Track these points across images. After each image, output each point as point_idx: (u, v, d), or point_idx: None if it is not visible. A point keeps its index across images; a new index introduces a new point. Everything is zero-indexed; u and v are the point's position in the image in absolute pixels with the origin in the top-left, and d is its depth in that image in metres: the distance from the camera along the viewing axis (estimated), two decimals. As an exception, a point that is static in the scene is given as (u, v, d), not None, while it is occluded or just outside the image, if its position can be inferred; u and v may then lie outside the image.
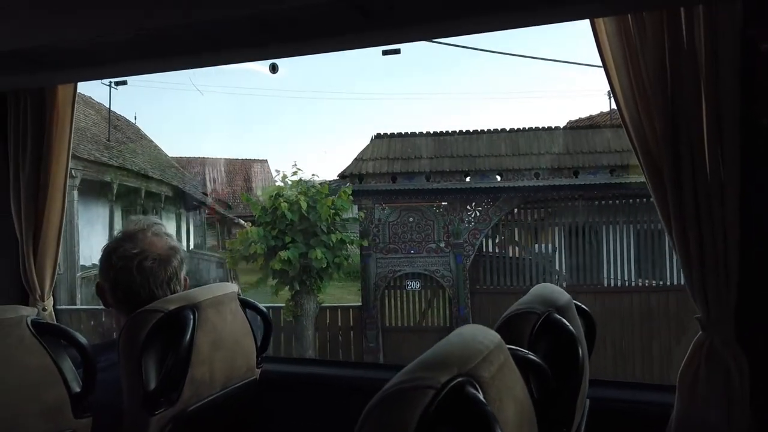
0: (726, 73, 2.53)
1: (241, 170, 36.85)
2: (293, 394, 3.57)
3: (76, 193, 18.42)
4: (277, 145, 55.13)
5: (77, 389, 2.46)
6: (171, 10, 2.63)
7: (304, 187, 16.12)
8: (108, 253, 2.84)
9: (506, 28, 2.78)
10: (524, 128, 16.63)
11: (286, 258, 15.19)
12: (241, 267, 17.82)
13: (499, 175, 15.60)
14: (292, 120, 57.61)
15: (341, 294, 20.42)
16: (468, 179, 15.65)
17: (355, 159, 16.30)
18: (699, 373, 2.68)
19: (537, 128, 16.56)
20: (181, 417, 2.56)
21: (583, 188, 15.32)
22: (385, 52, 3.26)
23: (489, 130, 16.69)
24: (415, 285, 15.75)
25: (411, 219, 15.73)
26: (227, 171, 35.90)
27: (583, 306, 2.58)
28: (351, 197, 16.04)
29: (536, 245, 16.26)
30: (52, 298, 4.18)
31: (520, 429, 1.53)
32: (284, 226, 15.54)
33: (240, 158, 38.04)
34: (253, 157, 38.76)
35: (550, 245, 16.22)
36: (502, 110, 56.39)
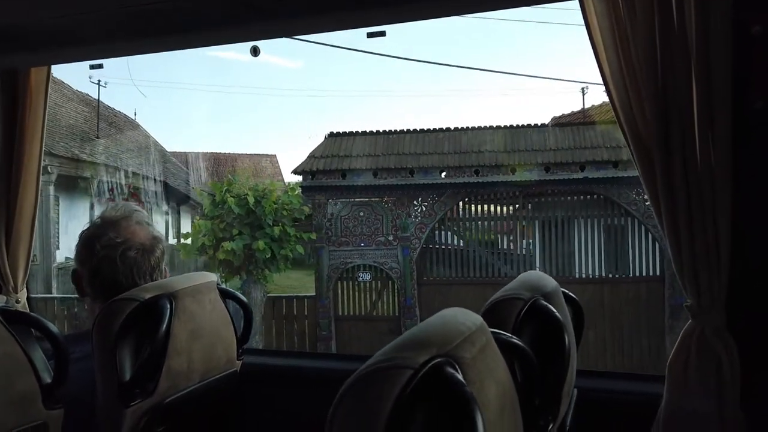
0: (717, 56, 2.34)
1: (250, 165, 36.64)
2: (275, 388, 3.35)
3: (51, 188, 18.63)
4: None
5: (48, 380, 2.27)
6: None
7: (253, 182, 16.90)
8: (89, 239, 2.64)
9: (496, 9, 2.59)
10: (466, 127, 16.75)
11: (230, 249, 15.81)
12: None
13: (442, 172, 15.55)
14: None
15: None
16: (413, 176, 15.58)
17: (309, 156, 16.32)
18: (689, 362, 2.50)
19: (478, 127, 16.71)
20: (157, 409, 2.37)
21: (520, 185, 15.48)
22: (369, 35, 3.06)
23: (434, 129, 16.79)
24: (366, 276, 15.85)
25: (361, 213, 15.82)
26: (236, 166, 35.56)
27: (570, 294, 2.44)
28: (302, 193, 16.46)
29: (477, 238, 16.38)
30: (26, 289, 3.89)
31: (501, 412, 1.44)
32: (231, 219, 16.08)
33: (248, 153, 37.92)
34: (261, 152, 38.77)
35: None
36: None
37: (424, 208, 15.80)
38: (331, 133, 16.76)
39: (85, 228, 2.71)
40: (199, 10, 2.63)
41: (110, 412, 2.27)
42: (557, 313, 1.99)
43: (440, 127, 16.81)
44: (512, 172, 15.28)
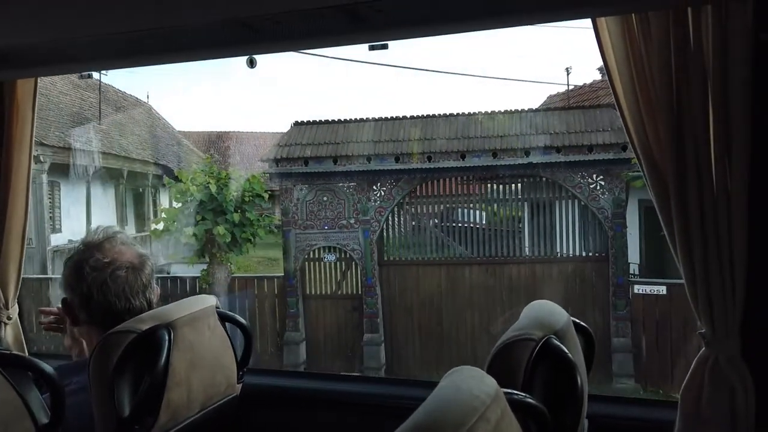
0: (736, 78, 2.15)
1: (273, 143, 35.90)
2: (276, 409, 3.15)
3: (44, 176, 18.61)
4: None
5: (45, 420, 2.04)
6: (141, 14, 2.28)
7: (216, 171, 17.19)
8: (76, 264, 2.41)
9: (503, 27, 2.37)
10: (421, 116, 16.57)
11: (192, 234, 16.04)
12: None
13: (396, 159, 15.50)
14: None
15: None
16: (370, 162, 15.65)
17: (275, 144, 16.34)
18: (702, 390, 2.32)
19: (432, 115, 16.54)
20: None
21: (469, 170, 15.48)
22: (371, 47, 2.88)
23: (391, 118, 16.60)
24: (331, 257, 15.79)
25: (325, 198, 15.72)
26: (259, 145, 34.75)
27: (581, 323, 2.25)
28: (265, 179, 17.09)
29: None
30: (17, 305, 3.60)
31: None
32: (194, 205, 16.38)
33: (271, 132, 37.32)
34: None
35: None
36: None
37: (383, 193, 15.68)
38: (296, 122, 16.68)
39: (69, 256, 2.50)
40: (192, 31, 2.41)
41: (109, 450, 2.08)
42: (570, 356, 1.83)
43: (399, 115, 16.71)
44: (462, 158, 15.15)
